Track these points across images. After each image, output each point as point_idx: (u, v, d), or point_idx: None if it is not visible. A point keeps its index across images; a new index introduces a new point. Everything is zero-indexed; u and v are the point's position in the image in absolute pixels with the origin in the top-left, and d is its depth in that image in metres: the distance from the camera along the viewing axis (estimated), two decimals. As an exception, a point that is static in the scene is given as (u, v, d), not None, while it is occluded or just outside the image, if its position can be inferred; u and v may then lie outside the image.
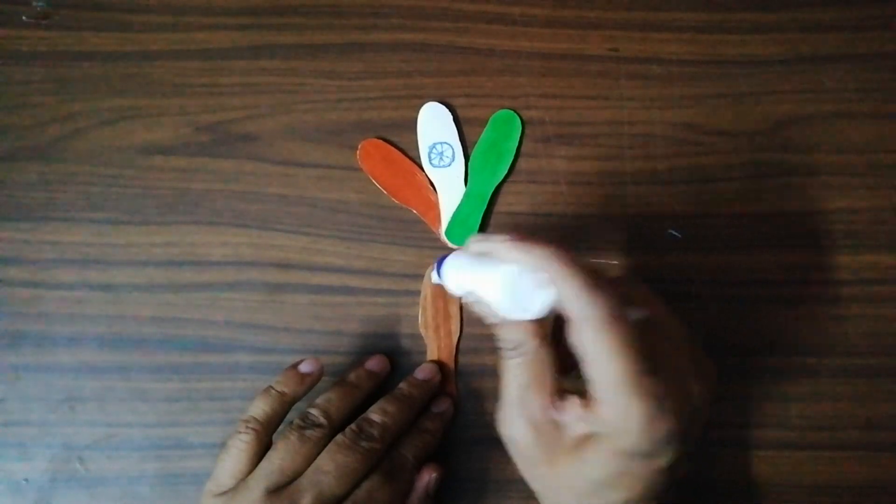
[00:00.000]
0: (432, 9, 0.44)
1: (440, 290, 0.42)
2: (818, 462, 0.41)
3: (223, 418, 0.42)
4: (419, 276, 0.42)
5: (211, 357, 0.42)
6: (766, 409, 0.42)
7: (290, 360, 0.42)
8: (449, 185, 0.43)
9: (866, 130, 0.43)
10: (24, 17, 0.44)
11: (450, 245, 0.42)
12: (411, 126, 0.43)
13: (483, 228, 0.43)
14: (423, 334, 0.42)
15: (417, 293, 0.42)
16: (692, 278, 0.42)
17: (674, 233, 0.43)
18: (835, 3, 0.44)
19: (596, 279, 0.30)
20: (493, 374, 0.42)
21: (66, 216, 0.43)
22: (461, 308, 0.42)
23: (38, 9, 0.44)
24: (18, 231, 0.43)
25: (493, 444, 0.38)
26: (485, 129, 0.43)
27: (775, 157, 0.43)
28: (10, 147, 0.43)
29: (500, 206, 0.43)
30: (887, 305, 0.42)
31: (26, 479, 0.42)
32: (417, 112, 0.43)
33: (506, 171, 0.43)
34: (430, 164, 0.43)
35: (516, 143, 0.43)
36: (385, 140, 0.43)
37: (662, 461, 0.31)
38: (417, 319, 0.42)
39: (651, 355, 0.30)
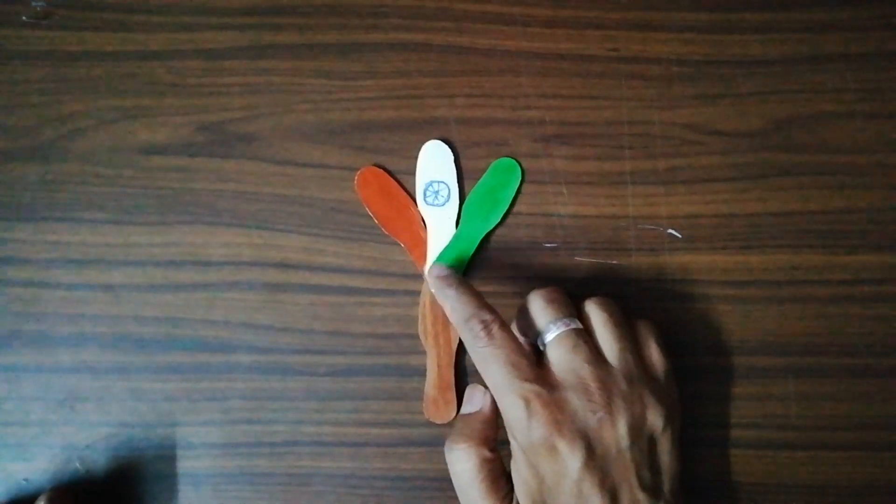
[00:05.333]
0: (432, 9, 0.44)
1: None
2: (818, 462, 0.41)
3: (223, 418, 0.42)
4: (419, 277, 0.42)
5: (211, 357, 0.42)
6: (766, 409, 0.42)
7: (290, 360, 0.42)
8: (440, 224, 0.42)
9: (866, 130, 0.43)
10: (24, 17, 0.44)
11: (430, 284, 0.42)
12: (411, 126, 0.43)
13: (467, 272, 0.42)
14: (422, 342, 0.42)
15: (417, 293, 0.42)
16: (692, 278, 0.42)
17: (674, 233, 0.43)
18: (835, 3, 0.44)
19: (467, 293, 0.36)
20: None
21: (66, 216, 0.43)
22: None
23: (38, 9, 0.44)
24: (18, 231, 0.43)
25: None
26: (484, 175, 0.42)
27: (775, 157, 0.43)
28: (10, 147, 0.43)
29: (500, 206, 0.43)
30: (887, 305, 0.42)
31: (26, 479, 0.42)
32: (417, 112, 0.43)
33: (498, 220, 0.42)
34: (425, 201, 0.42)
35: (513, 194, 0.42)
36: (384, 139, 0.43)
37: (569, 463, 0.32)
38: (417, 319, 0.42)
39: (518, 364, 0.33)
